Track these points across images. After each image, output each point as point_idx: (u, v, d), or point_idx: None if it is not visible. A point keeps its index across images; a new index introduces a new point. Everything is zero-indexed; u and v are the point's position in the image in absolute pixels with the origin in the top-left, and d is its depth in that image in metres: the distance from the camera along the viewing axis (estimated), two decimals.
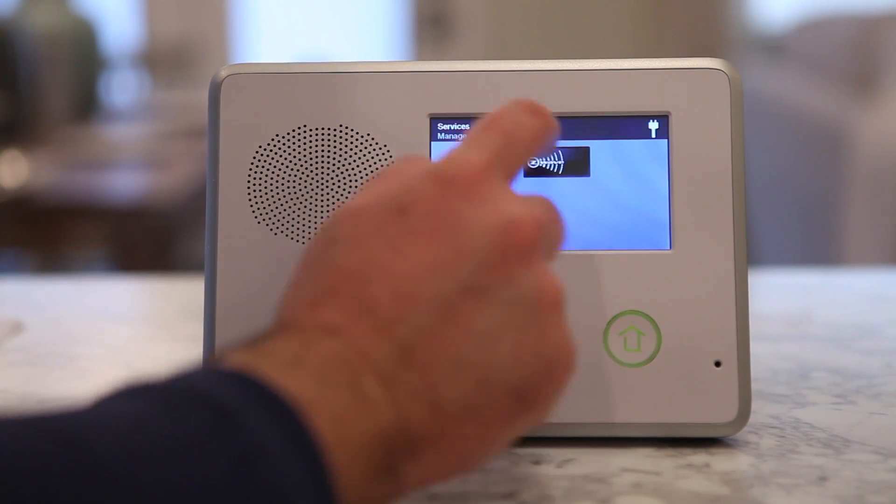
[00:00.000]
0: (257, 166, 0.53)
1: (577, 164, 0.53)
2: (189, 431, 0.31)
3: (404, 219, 0.39)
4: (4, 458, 0.28)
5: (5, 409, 0.32)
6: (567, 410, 0.51)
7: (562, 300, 0.40)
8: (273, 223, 0.53)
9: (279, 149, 0.53)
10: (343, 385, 0.35)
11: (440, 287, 0.37)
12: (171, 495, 0.29)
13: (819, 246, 2.36)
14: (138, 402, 0.32)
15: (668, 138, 0.53)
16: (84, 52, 3.53)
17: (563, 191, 0.53)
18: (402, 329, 0.37)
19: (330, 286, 0.38)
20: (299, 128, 0.53)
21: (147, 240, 2.48)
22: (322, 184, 0.53)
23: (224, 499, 0.30)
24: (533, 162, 0.52)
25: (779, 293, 0.90)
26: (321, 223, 0.53)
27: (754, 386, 0.57)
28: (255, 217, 0.53)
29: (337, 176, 0.53)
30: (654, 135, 0.53)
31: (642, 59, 0.53)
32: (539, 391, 0.39)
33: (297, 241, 0.53)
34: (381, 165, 0.53)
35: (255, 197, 0.53)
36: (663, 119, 0.53)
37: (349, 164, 0.53)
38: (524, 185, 0.53)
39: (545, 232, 0.40)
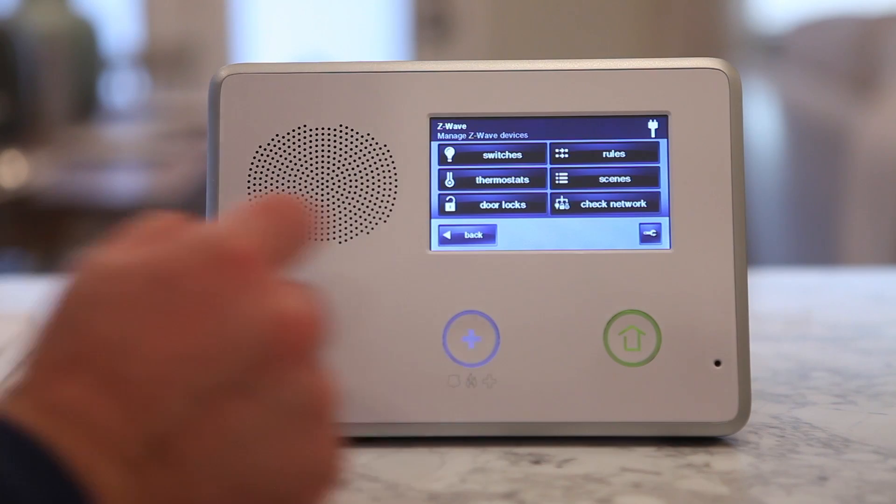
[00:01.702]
0: (257, 166, 0.53)
1: (578, 164, 0.53)
2: None
3: (171, 294, 0.34)
4: None
5: None
6: (567, 410, 0.51)
7: (332, 406, 0.37)
8: None
9: (279, 149, 0.53)
10: (76, 467, 0.32)
11: (200, 379, 0.34)
12: None
13: (819, 246, 2.36)
14: None
15: (667, 138, 0.53)
16: (84, 53, 3.53)
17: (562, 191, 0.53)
18: (154, 419, 0.33)
19: (78, 354, 0.34)
20: (299, 128, 0.53)
21: None
22: (322, 184, 0.53)
23: None
24: None
25: (779, 293, 0.90)
26: (321, 223, 0.53)
27: (754, 386, 0.57)
28: None
29: (337, 176, 0.53)
30: (653, 134, 0.53)
31: (642, 59, 0.53)
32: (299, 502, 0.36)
33: None
34: (382, 165, 0.53)
35: (255, 197, 0.53)
36: (663, 119, 0.53)
37: (349, 164, 0.53)
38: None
39: (319, 330, 0.37)
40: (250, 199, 0.53)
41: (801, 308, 0.82)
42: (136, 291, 0.34)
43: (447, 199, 0.53)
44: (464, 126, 0.53)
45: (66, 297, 0.35)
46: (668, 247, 0.52)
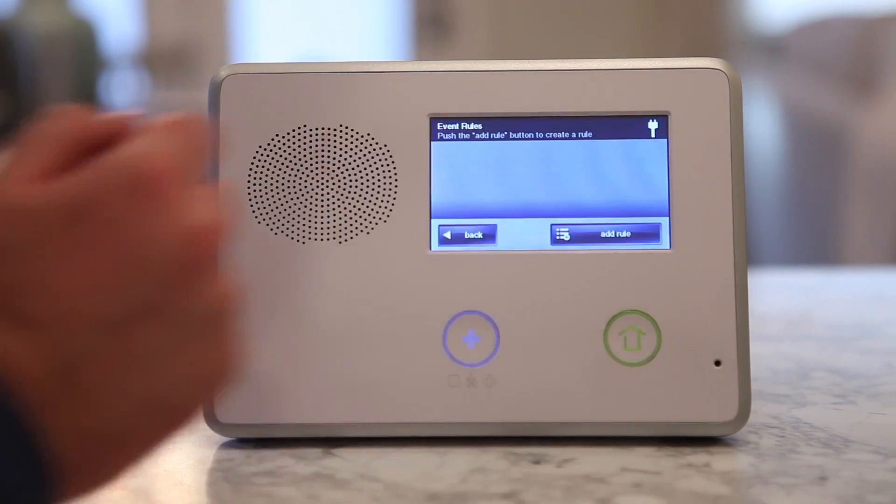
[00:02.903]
0: (257, 166, 0.53)
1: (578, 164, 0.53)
2: None
3: (80, 227, 0.34)
4: None
5: None
6: (567, 410, 0.51)
7: (233, 309, 0.38)
8: (273, 223, 0.53)
9: (279, 149, 0.53)
10: None
11: (111, 307, 0.34)
12: None
13: (819, 246, 2.36)
14: None
15: (667, 138, 0.53)
16: (84, 53, 3.53)
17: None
18: (66, 353, 0.34)
19: None
20: (299, 128, 0.53)
21: None
22: (322, 184, 0.53)
23: None
24: None
25: (779, 293, 0.90)
26: (321, 223, 0.53)
27: (754, 386, 0.57)
28: (255, 217, 0.53)
29: (337, 176, 0.53)
30: (653, 134, 0.53)
31: (642, 59, 0.53)
32: (192, 406, 0.37)
33: (298, 240, 0.53)
34: (382, 165, 0.53)
35: (255, 197, 0.53)
36: (663, 119, 0.53)
37: (349, 164, 0.53)
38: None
39: (224, 235, 0.37)
40: (250, 199, 0.53)
41: (801, 308, 0.82)
42: (37, 231, 0.34)
43: (447, 198, 0.53)
44: (464, 126, 0.53)
45: None
46: (668, 247, 0.52)
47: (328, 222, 0.53)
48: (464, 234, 0.53)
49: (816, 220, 2.40)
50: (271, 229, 0.53)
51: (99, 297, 0.34)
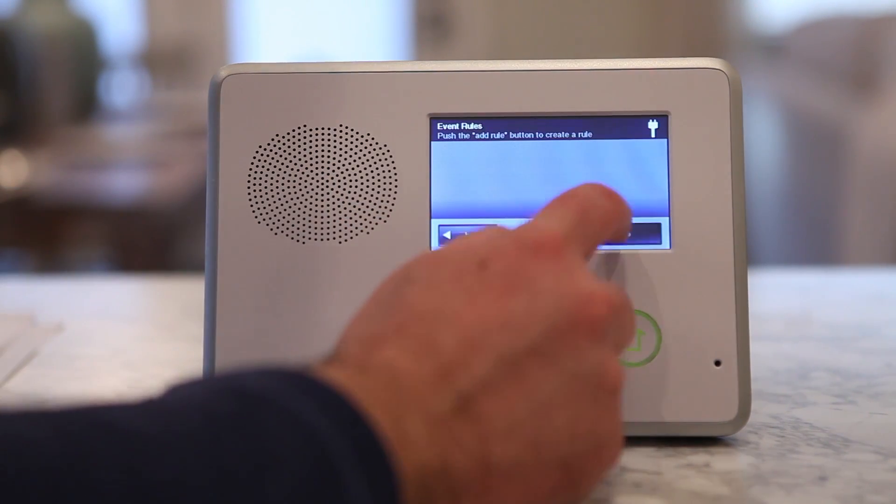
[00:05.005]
0: (257, 166, 0.53)
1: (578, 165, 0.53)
2: (235, 420, 0.31)
3: (482, 272, 0.39)
4: (49, 449, 0.29)
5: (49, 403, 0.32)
6: None
7: (621, 389, 0.40)
8: (273, 223, 0.53)
9: (279, 149, 0.53)
10: (381, 417, 0.34)
11: (508, 343, 0.37)
12: (203, 482, 0.30)
13: (819, 246, 2.36)
14: (195, 391, 0.33)
15: (667, 138, 0.53)
16: (84, 53, 3.53)
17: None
18: (464, 378, 0.36)
19: (398, 324, 0.38)
20: (299, 128, 0.53)
21: (147, 240, 2.48)
22: (322, 184, 0.53)
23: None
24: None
25: (779, 293, 0.90)
26: (321, 223, 0.53)
27: (754, 386, 0.57)
28: (256, 217, 0.53)
29: (337, 176, 0.53)
30: (653, 134, 0.53)
31: (642, 59, 0.53)
32: (584, 469, 0.39)
33: (298, 240, 0.53)
34: (382, 165, 0.53)
35: (256, 197, 0.53)
36: (663, 119, 0.53)
37: (349, 164, 0.53)
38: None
39: (617, 315, 0.40)
40: (250, 199, 0.53)
41: (801, 308, 0.83)
42: (448, 271, 0.39)
43: (447, 198, 0.53)
44: (464, 126, 0.53)
45: (390, 279, 0.41)
46: (668, 247, 0.52)
47: (328, 222, 0.53)
48: (463, 235, 0.53)
49: (816, 221, 2.40)
50: (271, 229, 0.53)
51: (498, 334, 0.37)
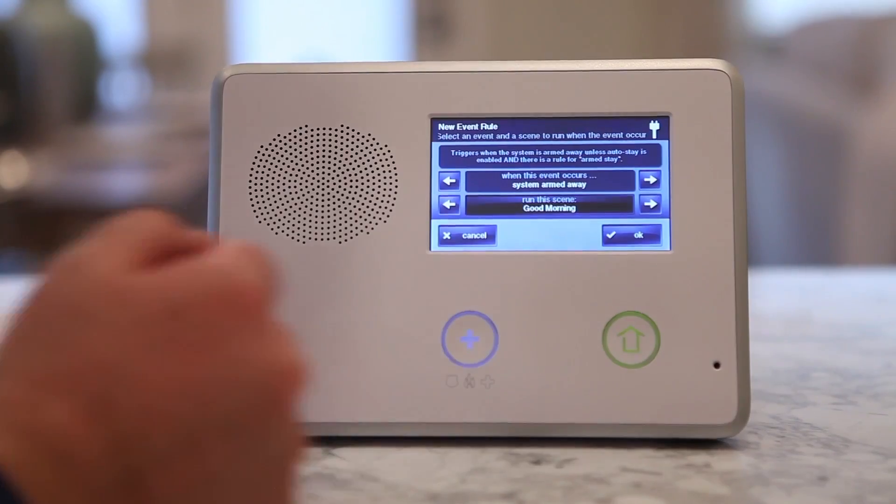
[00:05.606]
0: (259, 166, 0.53)
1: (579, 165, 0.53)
2: None
3: (174, 323, 0.33)
4: None
5: None
6: (565, 411, 0.51)
7: (300, 456, 0.37)
8: (274, 223, 0.53)
9: (281, 149, 0.53)
10: (41, 498, 0.31)
11: (193, 416, 0.33)
12: None
13: (819, 246, 2.36)
14: None
15: (668, 139, 0.53)
16: (84, 53, 3.53)
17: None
18: (137, 453, 0.32)
19: (72, 373, 0.32)
20: (301, 128, 0.53)
21: None
22: (323, 184, 0.53)
23: None
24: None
25: (779, 293, 0.90)
26: (321, 223, 0.53)
27: (754, 386, 0.57)
28: (257, 217, 0.53)
29: (338, 176, 0.53)
30: (655, 135, 0.53)
31: (643, 60, 0.53)
32: None
33: (299, 240, 0.53)
34: (382, 165, 0.53)
35: (257, 197, 0.53)
36: (664, 120, 0.53)
37: (350, 164, 0.53)
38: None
39: (306, 379, 0.36)
40: (251, 199, 0.53)
41: (801, 308, 0.83)
42: (135, 315, 0.33)
43: (447, 199, 0.53)
44: (464, 126, 0.53)
45: (50, 302, 0.34)
46: (669, 248, 0.52)
47: (328, 222, 0.53)
48: (463, 235, 0.53)
49: (816, 221, 2.40)
50: (272, 229, 0.53)
51: (183, 402, 0.33)
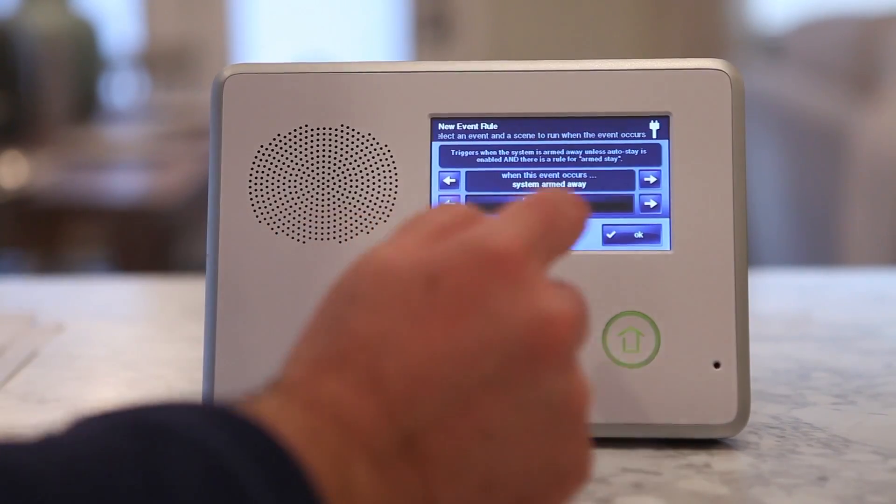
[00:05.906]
0: (259, 166, 0.53)
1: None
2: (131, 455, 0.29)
3: (433, 292, 0.35)
4: None
5: None
6: None
7: (587, 408, 0.37)
8: (274, 223, 0.53)
9: (281, 148, 0.53)
10: (327, 467, 0.32)
11: (459, 377, 0.34)
12: None
13: (819, 246, 2.36)
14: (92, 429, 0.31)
15: (668, 139, 0.53)
16: (84, 53, 3.53)
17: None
18: (410, 416, 0.34)
19: (340, 351, 0.35)
20: (301, 127, 0.53)
21: (147, 240, 2.48)
22: (323, 183, 0.53)
23: None
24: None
25: (779, 293, 0.90)
26: (321, 223, 0.53)
27: (754, 386, 0.57)
28: (257, 216, 0.53)
29: (338, 176, 0.53)
30: (655, 135, 0.53)
31: (643, 60, 0.53)
32: (545, 501, 0.36)
33: (299, 240, 0.53)
34: (383, 165, 0.53)
35: (257, 196, 0.53)
36: (664, 119, 0.53)
37: (350, 163, 0.53)
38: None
39: (581, 330, 0.37)
40: (251, 199, 0.53)
41: (801, 308, 0.83)
42: (395, 290, 0.35)
43: (447, 198, 0.53)
44: (464, 126, 0.53)
45: (333, 294, 0.37)
46: (669, 248, 0.52)
47: (328, 222, 0.53)
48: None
49: (816, 221, 2.40)
50: (272, 229, 0.53)
51: (448, 365, 0.34)
